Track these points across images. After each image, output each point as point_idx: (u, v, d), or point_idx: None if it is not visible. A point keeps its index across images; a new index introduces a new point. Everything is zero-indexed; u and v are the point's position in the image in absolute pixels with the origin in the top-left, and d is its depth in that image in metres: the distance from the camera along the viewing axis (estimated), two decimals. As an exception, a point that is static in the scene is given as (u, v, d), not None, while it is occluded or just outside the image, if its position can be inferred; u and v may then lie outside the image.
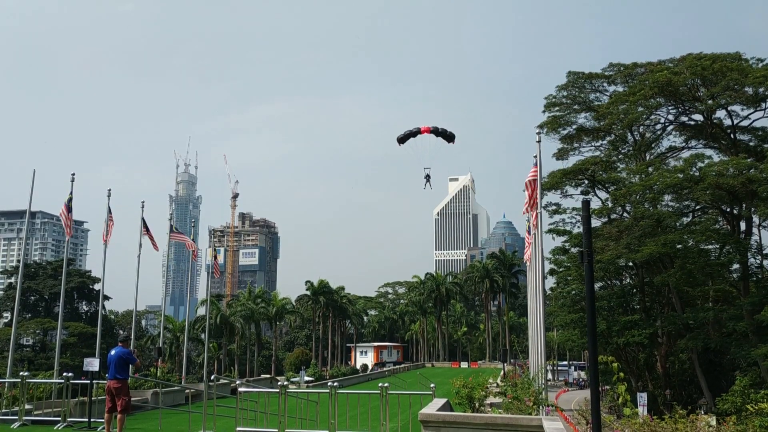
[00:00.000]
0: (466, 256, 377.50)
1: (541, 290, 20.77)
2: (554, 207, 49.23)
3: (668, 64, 44.94)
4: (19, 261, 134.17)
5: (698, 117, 45.66)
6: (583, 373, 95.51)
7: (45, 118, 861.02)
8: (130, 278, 37.34)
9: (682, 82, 41.95)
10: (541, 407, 14.25)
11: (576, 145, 50.70)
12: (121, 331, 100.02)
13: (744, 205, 41.06)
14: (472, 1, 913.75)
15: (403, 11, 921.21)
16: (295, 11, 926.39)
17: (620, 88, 48.52)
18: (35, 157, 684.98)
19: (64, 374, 17.02)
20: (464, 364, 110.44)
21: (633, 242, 41.23)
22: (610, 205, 47.27)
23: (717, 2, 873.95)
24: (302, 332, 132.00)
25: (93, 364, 16.45)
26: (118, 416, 14.02)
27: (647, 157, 48.30)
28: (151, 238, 35.25)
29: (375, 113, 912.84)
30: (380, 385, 14.33)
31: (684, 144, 48.41)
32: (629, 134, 49.15)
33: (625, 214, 47.07)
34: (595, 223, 47.16)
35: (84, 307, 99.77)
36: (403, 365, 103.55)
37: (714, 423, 16.87)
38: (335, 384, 14.83)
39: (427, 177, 27.94)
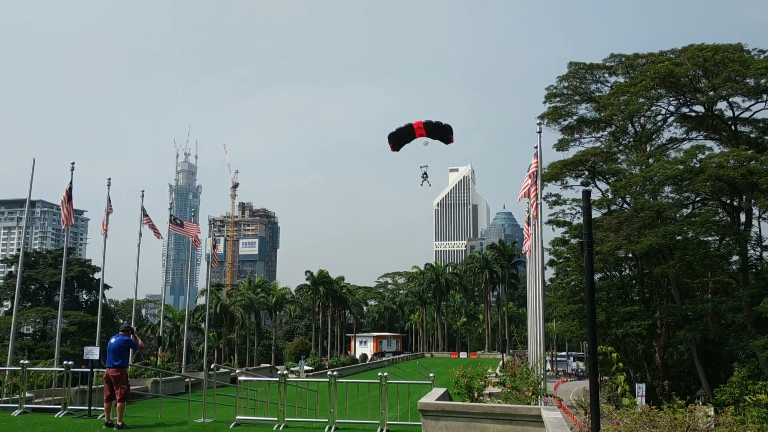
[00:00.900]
0: (465, 246, 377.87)
1: (541, 281, 20.78)
2: (554, 198, 49.23)
3: (670, 55, 44.76)
4: (19, 250, 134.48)
5: (699, 108, 45.55)
6: (581, 364, 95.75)
7: (45, 106, 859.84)
8: (130, 267, 37.48)
9: (683, 73, 41.80)
10: (539, 397, 14.29)
11: (576, 136, 50.59)
12: (121, 320, 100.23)
13: (744, 197, 41.04)
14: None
15: (406, 1, 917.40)
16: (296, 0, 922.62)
17: (621, 79, 48.35)
18: (35, 145, 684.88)
19: (65, 363, 17.06)
20: (463, 355, 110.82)
21: (633, 233, 41.24)
22: (610, 196, 47.24)
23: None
24: (302, 322, 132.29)
25: (93, 352, 16.48)
26: (118, 404, 14.06)
27: (648, 149, 48.23)
28: (153, 227, 35.28)
29: (376, 103, 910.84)
30: (380, 374, 14.36)
31: (685, 135, 48.33)
32: (630, 125, 49.05)
33: (625, 206, 47.06)
34: (595, 214, 47.16)
35: (84, 296, 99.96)
36: (402, 355, 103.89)
37: (712, 413, 16.92)
38: (335, 373, 14.86)
39: (425, 175, 26.25)
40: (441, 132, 24.03)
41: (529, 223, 24.41)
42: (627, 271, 54.05)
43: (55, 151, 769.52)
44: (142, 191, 35.85)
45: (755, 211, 42.33)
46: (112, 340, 14.60)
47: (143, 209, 35.27)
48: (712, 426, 11.54)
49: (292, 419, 15.11)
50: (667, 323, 45.92)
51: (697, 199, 45.58)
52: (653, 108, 46.65)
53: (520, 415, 10.12)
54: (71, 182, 28.04)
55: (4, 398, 17.98)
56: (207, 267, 50.73)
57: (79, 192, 29.67)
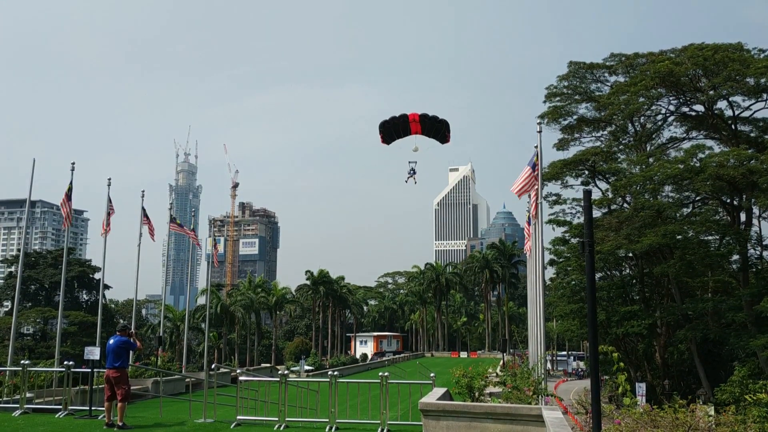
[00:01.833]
0: (465, 246, 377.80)
1: (541, 280, 20.78)
2: (554, 197, 49.25)
3: (670, 54, 44.76)
4: (19, 250, 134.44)
5: (699, 108, 45.56)
6: (582, 363, 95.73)
7: (45, 107, 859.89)
8: (131, 267, 37.44)
9: (683, 73, 41.81)
10: (540, 397, 14.30)
11: (576, 135, 50.61)
12: (121, 320, 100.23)
13: (744, 196, 41.03)
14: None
15: (404, 0, 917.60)
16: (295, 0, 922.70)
17: (621, 79, 48.36)
18: (35, 146, 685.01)
19: (65, 363, 17.05)
20: (464, 354, 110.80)
21: (633, 233, 41.24)
22: (610, 195, 47.25)
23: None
24: (302, 322, 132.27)
25: (94, 352, 16.47)
26: (119, 405, 14.05)
27: (648, 148, 48.23)
28: (150, 228, 35.21)
29: (376, 102, 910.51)
30: (380, 374, 14.35)
31: (685, 135, 48.35)
32: (630, 125, 49.05)
33: (625, 205, 47.06)
34: (595, 213, 47.15)
35: (84, 296, 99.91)
36: (402, 355, 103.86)
37: (712, 413, 16.92)
38: (335, 373, 14.86)
39: (412, 171, 24.71)
40: (437, 129, 22.85)
41: (529, 223, 24.40)
42: (627, 271, 54.06)
43: (55, 151, 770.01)
44: (143, 191, 35.84)
45: (755, 210, 42.33)
46: (111, 341, 14.57)
47: (143, 209, 35.26)
48: (713, 425, 11.53)
49: (293, 419, 15.11)
50: (668, 322, 45.92)
51: (698, 198, 45.59)
52: (653, 107, 46.67)
53: (521, 415, 10.12)
54: (71, 182, 28.03)
55: (4, 398, 17.96)
56: (207, 267, 50.76)
57: (79, 192, 29.68)
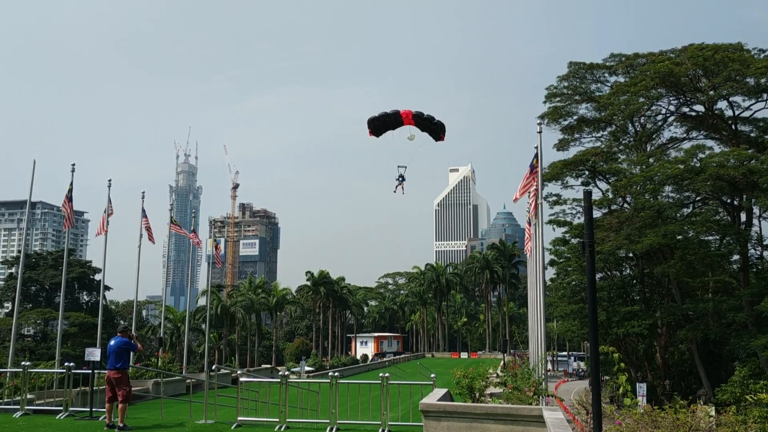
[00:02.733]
0: (466, 246, 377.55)
1: (542, 281, 20.76)
2: (554, 198, 49.25)
3: (670, 54, 44.77)
4: (19, 251, 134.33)
5: (699, 108, 45.57)
6: (582, 364, 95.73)
7: (46, 108, 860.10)
8: (131, 268, 37.45)
9: (683, 73, 41.81)
10: (541, 397, 14.29)
11: (577, 135, 50.62)
12: (122, 321, 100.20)
13: (744, 196, 41.04)
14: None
15: (405, 1, 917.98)
16: (296, 0, 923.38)
17: (621, 79, 48.36)
18: (36, 147, 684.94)
19: (66, 364, 17.04)
20: (464, 355, 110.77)
21: (633, 233, 41.24)
22: (610, 196, 47.26)
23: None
24: (302, 322, 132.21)
25: (94, 353, 16.47)
26: (120, 406, 14.04)
27: (648, 148, 48.23)
28: (149, 231, 35.16)
29: (377, 103, 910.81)
30: (381, 375, 14.35)
31: (685, 135, 48.36)
32: (630, 125, 49.06)
33: (625, 205, 47.05)
34: (596, 214, 47.13)
35: (85, 297, 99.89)
36: (403, 355, 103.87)
37: (713, 413, 16.91)
38: (336, 374, 14.86)
39: (401, 178, 22.58)
40: (431, 129, 21.47)
41: (530, 223, 24.37)
42: (627, 271, 54.06)
43: (55, 152, 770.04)
44: (143, 192, 35.86)
45: (756, 210, 42.33)
46: (112, 342, 14.57)
47: (143, 210, 35.27)
48: (714, 426, 11.52)
49: (294, 420, 15.11)
50: (668, 323, 45.91)
51: (698, 198, 45.59)
52: (653, 107, 46.68)
53: (522, 416, 10.12)
54: (71, 183, 28.05)
55: (5, 400, 17.96)
56: (208, 268, 50.74)
57: (79, 193, 29.72)
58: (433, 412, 10.55)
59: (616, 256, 48.15)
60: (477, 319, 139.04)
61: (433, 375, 15.07)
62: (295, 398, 16.60)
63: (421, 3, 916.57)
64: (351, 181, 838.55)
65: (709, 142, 45.46)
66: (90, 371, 16.54)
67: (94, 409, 15.84)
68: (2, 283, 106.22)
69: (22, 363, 17.36)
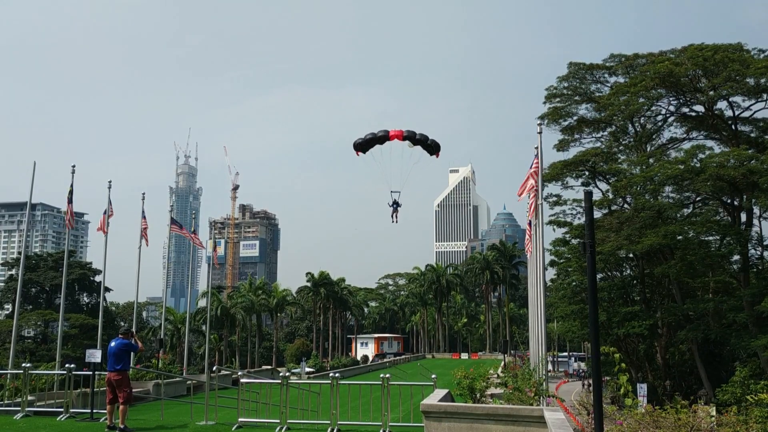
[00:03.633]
0: (466, 247, 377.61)
1: (542, 281, 20.77)
2: (555, 198, 49.25)
3: (670, 54, 44.79)
4: (19, 253, 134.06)
5: (699, 108, 45.58)
6: (583, 364, 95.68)
7: (46, 109, 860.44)
8: (131, 270, 37.46)
9: (683, 73, 41.82)
10: (541, 398, 14.29)
11: (577, 136, 50.63)
12: (122, 323, 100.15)
13: (745, 197, 41.04)
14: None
15: (404, 2, 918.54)
16: (296, 1, 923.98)
17: (621, 79, 48.38)
18: (36, 149, 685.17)
19: (66, 365, 17.05)
20: (464, 355, 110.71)
21: (633, 233, 41.24)
22: (610, 196, 47.26)
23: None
24: (303, 323, 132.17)
25: (95, 355, 16.47)
26: (120, 407, 14.04)
27: (648, 149, 48.24)
28: (145, 232, 35.09)
29: (375, 104, 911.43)
30: (382, 375, 14.35)
31: (685, 135, 48.36)
32: (630, 125, 49.07)
33: (625, 206, 47.05)
34: (596, 214, 47.11)
35: (85, 298, 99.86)
36: (403, 356, 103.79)
37: (714, 413, 16.90)
38: (337, 375, 14.86)
39: (396, 205, 21.20)
40: (424, 146, 20.14)
41: (530, 224, 24.38)
42: (628, 271, 54.06)
43: (55, 154, 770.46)
44: (143, 193, 35.88)
45: (756, 210, 42.33)
46: (112, 344, 14.58)
47: (143, 212, 35.28)
48: (715, 426, 11.52)
49: (294, 421, 15.11)
50: (669, 323, 45.90)
51: (698, 198, 45.60)
52: (653, 108, 46.69)
53: (523, 416, 10.12)
54: (72, 185, 28.07)
55: (6, 401, 17.96)
56: (208, 269, 50.76)
57: (79, 195, 29.72)
58: (434, 412, 10.56)
59: (616, 257, 48.14)
60: (477, 320, 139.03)
61: (433, 376, 15.08)
62: (295, 399, 16.59)
63: (422, 5, 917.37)
64: (351, 181, 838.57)
65: (709, 143, 45.52)
66: (91, 373, 16.53)
67: (95, 411, 15.84)
68: (2, 284, 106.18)
69: (23, 365, 17.35)
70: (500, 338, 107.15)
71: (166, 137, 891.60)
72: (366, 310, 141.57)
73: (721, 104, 44.18)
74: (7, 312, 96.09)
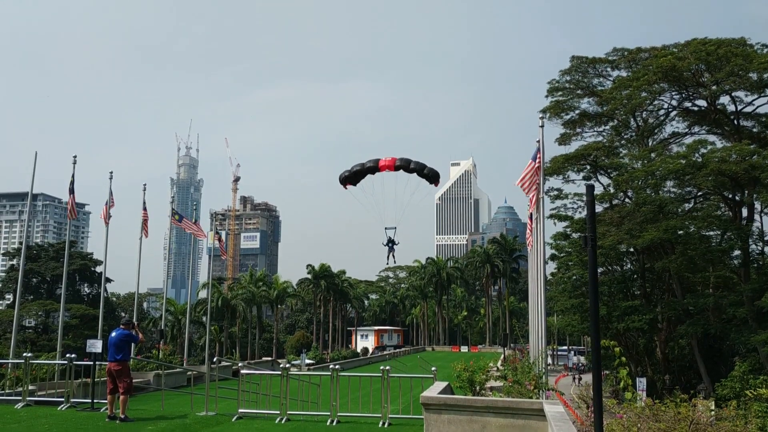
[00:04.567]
0: (467, 241, 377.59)
1: (542, 275, 20.74)
2: (556, 192, 49.21)
3: (672, 49, 44.65)
4: (20, 243, 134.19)
5: (702, 103, 45.48)
6: (582, 358, 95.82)
7: (47, 100, 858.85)
8: (132, 261, 37.50)
9: (686, 68, 41.70)
10: (541, 391, 14.31)
11: (578, 130, 50.56)
12: (123, 314, 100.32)
13: (746, 192, 41.00)
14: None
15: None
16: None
17: (624, 73, 48.26)
18: (37, 139, 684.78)
19: (67, 355, 17.07)
20: (464, 348, 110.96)
21: (634, 228, 41.22)
22: (612, 190, 47.21)
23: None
24: (303, 316, 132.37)
25: (96, 345, 16.48)
26: (120, 397, 14.07)
27: (650, 143, 48.17)
28: (145, 224, 35.04)
29: (378, 97, 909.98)
30: (382, 368, 14.37)
31: (687, 130, 48.27)
32: (632, 120, 48.97)
33: (626, 200, 47.01)
34: (597, 208, 47.08)
35: (86, 289, 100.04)
36: (403, 349, 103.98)
37: (713, 408, 16.93)
38: (337, 367, 14.88)
39: (391, 243, 19.52)
40: (422, 174, 18.02)
41: (531, 218, 24.34)
42: (628, 266, 54.07)
43: (57, 144, 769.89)
44: (144, 184, 35.81)
45: (757, 206, 42.28)
46: (113, 334, 14.60)
47: (144, 203, 35.26)
48: (714, 420, 11.54)
49: (294, 412, 15.13)
50: (668, 318, 45.94)
51: (699, 193, 45.54)
52: (655, 102, 46.60)
53: (522, 409, 10.12)
54: (73, 176, 28.05)
55: (7, 391, 18.02)
56: (209, 261, 50.76)
57: (81, 185, 29.74)
58: (434, 405, 10.56)
59: (617, 251, 48.14)
60: (477, 313, 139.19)
61: (433, 368, 15.09)
62: (295, 391, 16.62)
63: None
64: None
65: (711, 138, 45.42)
66: (91, 363, 16.56)
67: (95, 401, 15.88)
68: (3, 274, 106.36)
69: (24, 354, 17.38)
70: (500, 331, 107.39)
71: (167, 128, 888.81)
72: (366, 302, 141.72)
73: (724, 99, 44.10)
74: (8, 302, 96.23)
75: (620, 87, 45.29)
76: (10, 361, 20.78)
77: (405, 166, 17.66)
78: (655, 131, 49.21)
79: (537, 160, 19.97)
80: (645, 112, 48.19)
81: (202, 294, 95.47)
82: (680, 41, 45.17)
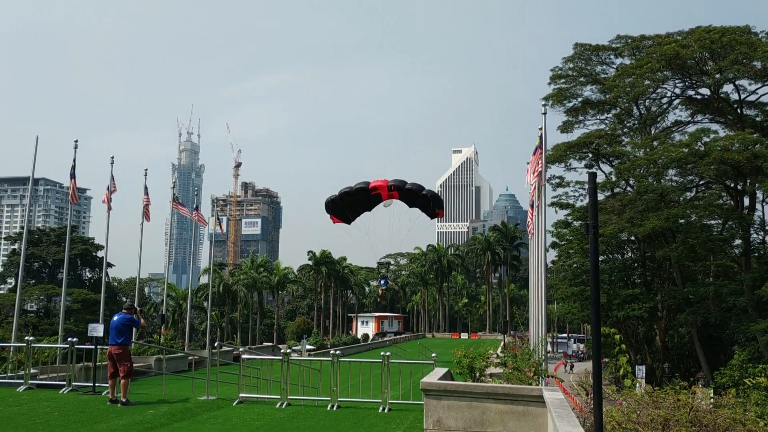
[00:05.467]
0: (468, 228, 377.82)
1: (543, 263, 20.73)
2: (558, 180, 49.16)
3: (676, 36, 44.38)
4: (22, 227, 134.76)
5: (705, 91, 45.26)
6: (582, 346, 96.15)
7: (48, 84, 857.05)
8: (133, 246, 37.57)
9: (689, 56, 41.47)
10: (541, 378, 14.35)
11: (581, 118, 50.40)
12: (124, 299, 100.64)
13: (748, 181, 40.92)
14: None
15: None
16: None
17: (627, 61, 48.01)
18: (38, 123, 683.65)
19: (69, 339, 17.13)
20: (464, 335, 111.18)
21: (636, 216, 41.21)
22: (614, 178, 47.13)
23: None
24: (304, 301, 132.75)
25: (97, 329, 16.54)
26: (121, 381, 14.13)
27: (652, 131, 48.02)
28: (146, 209, 35.02)
29: (380, 83, 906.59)
30: (382, 354, 14.41)
31: (690, 118, 48.09)
32: (635, 108, 48.79)
33: (628, 188, 46.95)
34: (599, 196, 46.94)
35: (87, 273, 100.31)
36: (403, 335, 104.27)
37: (712, 396, 17.01)
38: (337, 352, 14.92)
39: (383, 280, 18.45)
40: (420, 202, 15.29)
41: (532, 206, 24.30)
42: (629, 254, 54.11)
43: (58, 129, 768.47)
44: (145, 170, 35.76)
45: (759, 195, 42.25)
46: (115, 318, 14.64)
47: (146, 188, 35.24)
48: (713, 408, 11.59)
49: (295, 397, 15.20)
50: (669, 306, 46.03)
51: (701, 182, 45.47)
52: (659, 90, 46.40)
53: (522, 396, 10.17)
54: (74, 160, 28.02)
55: (9, 374, 18.10)
56: (210, 246, 50.93)
57: (82, 170, 29.74)
58: (434, 390, 10.60)
59: (618, 239, 48.19)
60: (478, 300, 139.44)
61: (434, 354, 15.15)
62: (296, 376, 16.69)
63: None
64: (354, 160, 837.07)
65: (714, 126, 45.26)
66: (93, 347, 16.63)
67: (97, 384, 15.96)
68: (5, 259, 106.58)
69: (26, 338, 17.45)
70: (500, 319, 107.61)
71: (168, 114, 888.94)
72: (367, 289, 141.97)
73: (727, 87, 43.89)
74: (10, 286, 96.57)
75: (623, 75, 45.07)
76: (12, 344, 20.85)
77: (400, 186, 15.15)
78: (658, 119, 49.05)
79: (539, 150, 19.93)
80: (648, 100, 48.00)
81: (204, 279, 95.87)
82: (684, 29, 44.94)
